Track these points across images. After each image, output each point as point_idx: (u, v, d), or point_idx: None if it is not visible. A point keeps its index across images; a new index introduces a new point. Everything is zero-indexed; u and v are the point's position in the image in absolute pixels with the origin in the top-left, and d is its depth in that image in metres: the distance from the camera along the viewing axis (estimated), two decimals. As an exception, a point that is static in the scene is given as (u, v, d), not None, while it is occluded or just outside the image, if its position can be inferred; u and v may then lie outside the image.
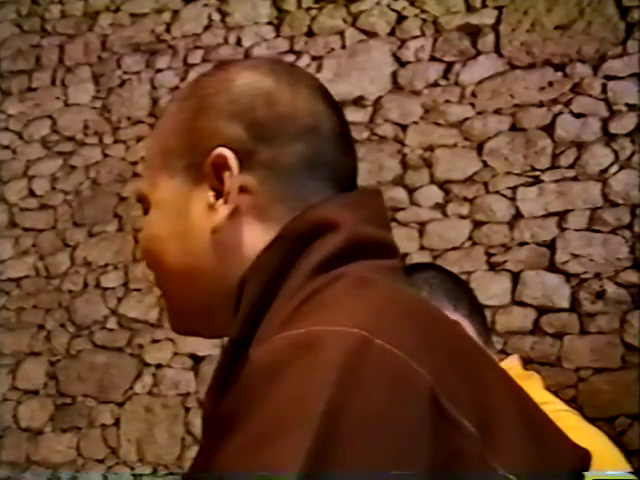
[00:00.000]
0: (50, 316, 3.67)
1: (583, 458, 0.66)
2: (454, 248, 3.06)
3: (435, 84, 3.20)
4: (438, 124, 3.16)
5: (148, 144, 0.81)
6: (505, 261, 2.98)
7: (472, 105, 3.12)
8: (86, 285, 3.63)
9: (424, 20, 3.25)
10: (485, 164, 3.07)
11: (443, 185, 3.11)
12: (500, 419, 0.60)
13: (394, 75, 3.26)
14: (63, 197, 3.75)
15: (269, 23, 3.52)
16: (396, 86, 3.25)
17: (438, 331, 0.63)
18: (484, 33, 3.15)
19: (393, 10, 3.31)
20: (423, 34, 3.25)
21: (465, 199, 3.07)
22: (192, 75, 3.45)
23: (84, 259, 3.66)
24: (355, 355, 0.54)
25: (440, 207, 3.11)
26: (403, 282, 0.72)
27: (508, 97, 3.07)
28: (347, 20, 3.38)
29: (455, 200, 3.09)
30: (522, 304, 2.94)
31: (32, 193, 3.82)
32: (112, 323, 3.56)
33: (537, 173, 2.98)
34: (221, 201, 0.70)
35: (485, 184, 3.05)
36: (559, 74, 3.01)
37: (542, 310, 2.91)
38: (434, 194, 3.12)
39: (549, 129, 2.99)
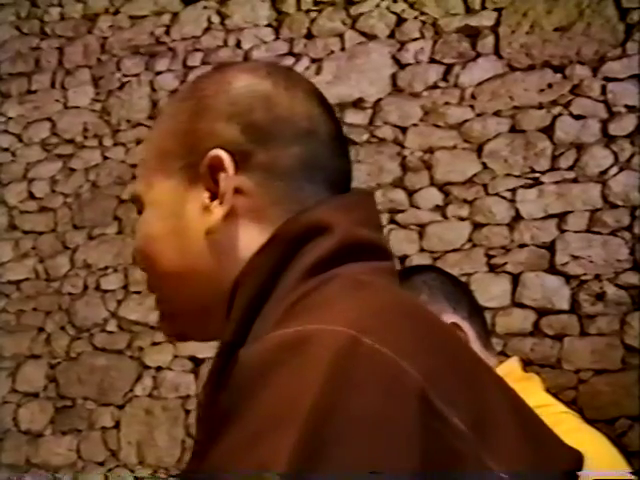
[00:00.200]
0: (50, 319, 3.67)
1: (577, 459, 0.66)
2: (454, 250, 3.06)
3: (435, 86, 3.20)
4: (438, 126, 3.16)
5: (144, 145, 0.81)
6: (505, 263, 2.98)
7: (472, 107, 3.13)
8: (86, 288, 3.63)
9: (423, 22, 3.26)
10: (485, 166, 3.07)
11: (443, 187, 3.12)
12: (496, 420, 0.60)
13: (394, 77, 3.27)
14: (63, 200, 3.75)
15: (268, 25, 3.52)
16: (396, 88, 3.25)
17: (432, 332, 0.63)
18: (483, 35, 3.16)
19: (392, 12, 3.31)
20: (422, 36, 3.25)
21: (465, 201, 3.07)
22: (192, 77, 3.45)
23: (84, 262, 3.66)
24: (343, 354, 0.54)
25: (440, 209, 3.11)
26: (396, 284, 0.73)
27: (507, 99, 3.07)
28: (346, 22, 3.38)
29: (455, 202, 3.09)
30: (522, 306, 2.94)
31: (32, 196, 3.83)
32: (112, 326, 3.56)
33: (537, 175, 2.99)
34: (216, 202, 0.70)
35: (485, 186, 3.05)
36: (558, 76, 3.01)
37: (542, 312, 2.91)
38: (434, 196, 3.12)
39: (549, 131, 2.99)
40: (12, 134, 3.92)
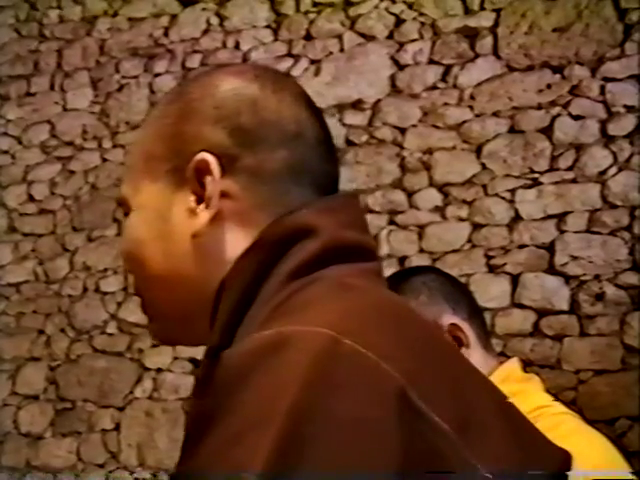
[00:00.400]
0: (50, 321, 3.67)
1: (565, 460, 0.66)
2: (453, 251, 3.06)
3: (433, 87, 3.20)
4: (437, 127, 3.16)
5: (131, 148, 0.81)
6: (504, 263, 2.98)
7: (471, 108, 3.13)
8: (85, 290, 3.63)
9: (422, 23, 3.26)
10: (484, 166, 3.07)
11: (442, 188, 3.12)
12: (482, 421, 0.60)
13: (392, 78, 3.27)
14: (62, 202, 3.75)
15: (267, 27, 3.52)
16: (395, 89, 3.26)
17: (415, 333, 0.63)
18: (482, 36, 3.16)
19: (391, 13, 3.31)
20: (421, 37, 3.25)
21: (464, 202, 3.07)
22: (191, 79, 3.45)
23: (83, 264, 3.66)
24: (323, 355, 0.54)
25: (439, 210, 3.11)
26: (383, 285, 0.72)
27: (506, 99, 3.08)
28: (345, 23, 3.38)
29: (454, 203, 3.09)
30: (521, 306, 2.94)
31: (31, 198, 3.83)
32: (112, 328, 3.56)
33: (536, 175, 2.99)
34: (202, 206, 0.70)
35: (484, 186, 3.06)
36: (557, 76, 3.02)
37: (542, 312, 2.91)
38: (433, 197, 3.12)
39: (548, 131, 2.99)
40: (11, 136, 3.93)
